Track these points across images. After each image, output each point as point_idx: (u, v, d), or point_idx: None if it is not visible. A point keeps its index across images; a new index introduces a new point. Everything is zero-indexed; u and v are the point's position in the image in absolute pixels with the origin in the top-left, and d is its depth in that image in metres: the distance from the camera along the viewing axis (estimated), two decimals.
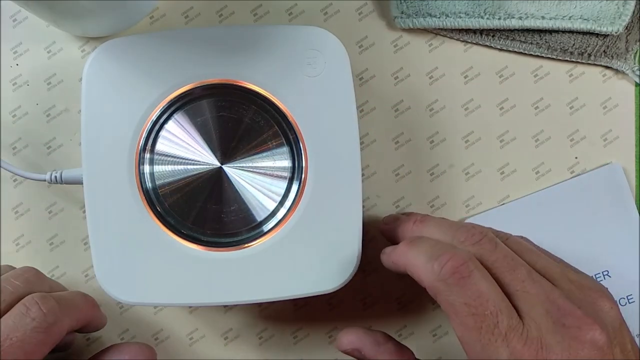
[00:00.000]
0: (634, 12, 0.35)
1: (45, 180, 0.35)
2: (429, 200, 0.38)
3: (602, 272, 0.37)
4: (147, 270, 0.32)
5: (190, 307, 0.37)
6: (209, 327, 0.38)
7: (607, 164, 0.37)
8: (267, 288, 0.32)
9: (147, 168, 0.32)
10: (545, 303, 0.26)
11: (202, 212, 0.32)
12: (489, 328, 0.25)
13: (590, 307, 0.26)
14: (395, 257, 0.30)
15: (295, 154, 0.32)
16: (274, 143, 0.32)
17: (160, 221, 0.32)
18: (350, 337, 0.31)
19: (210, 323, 0.38)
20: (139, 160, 0.32)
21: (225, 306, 0.38)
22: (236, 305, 0.37)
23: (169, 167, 0.32)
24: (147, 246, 0.32)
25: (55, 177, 0.34)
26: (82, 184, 0.32)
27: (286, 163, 0.32)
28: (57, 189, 0.37)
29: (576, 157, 0.38)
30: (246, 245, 0.32)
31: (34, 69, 0.37)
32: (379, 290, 0.38)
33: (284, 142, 0.32)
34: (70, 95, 0.37)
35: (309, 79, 0.32)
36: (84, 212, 0.34)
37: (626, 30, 0.36)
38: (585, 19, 0.35)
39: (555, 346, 0.24)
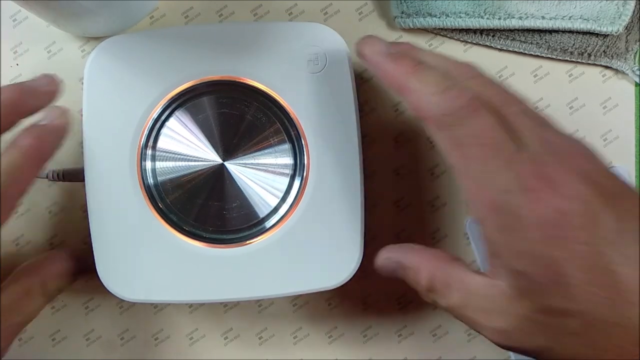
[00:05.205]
0: (634, 12, 0.35)
1: (46, 178, 0.35)
2: (429, 200, 0.38)
3: None
4: (149, 268, 0.32)
5: (190, 306, 0.37)
6: (209, 327, 0.37)
7: (612, 167, 0.37)
8: (269, 285, 0.32)
9: (149, 165, 0.32)
10: (539, 134, 0.27)
11: (204, 209, 0.32)
12: (495, 155, 0.26)
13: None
14: (393, 73, 0.29)
15: (297, 151, 0.32)
16: (276, 139, 0.32)
17: (162, 218, 0.32)
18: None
19: (210, 323, 0.38)
20: (141, 157, 0.32)
21: (225, 305, 0.38)
22: (237, 304, 0.37)
23: (171, 164, 0.32)
24: (149, 243, 0.32)
25: (57, 174, 0.34)
26: (83, 181, 0.32)
27: (288, 159, 0.32)
28: (57, 189, 0.37)
29: None
30: (248, 242, 0.32)
31: (34, 69, 0.37)
32: (379, 290, 0.37)
33: (286, 138, 0.32)
34: (70, 95, 0.37)
35: (310, 76, 0.32)
36: (85, 212, 0.34)
37: (626, 30, 0.36)
38: (585, 19, 0.35)
39: (550, 162, 0.26)
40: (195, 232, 0.32)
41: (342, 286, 0.32)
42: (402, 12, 0.37)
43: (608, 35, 0.36)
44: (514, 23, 0.36)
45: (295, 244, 0.32)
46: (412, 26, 0.37)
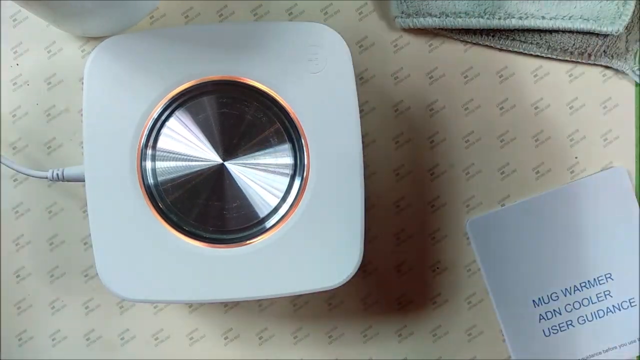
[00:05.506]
0: (634, 12, 0.35)
1: (46, 178, 0.35)
2: (429, 200, 0.38)
3: (605, 275, 0.37)
4: (149, 267, 0.32)
5: (190, 306, 0.37)
6: (209, 327, 0.38)
7: (612, 167, 0.37)
8: (269, 285, 0.32)
9: (149, 164, 0.32)
10: None
11: (204, 208, 0.32)
12: None
13: None
14: None
15: (297, 150, 0.32)
16: (276, 139, 0.32)
17: (162, 218, 0.32)
18: None
19: (210, 323, 0.38)
20: (141, 157, 0.32)
21: (225, 305, 0.38)
22: (237, 304, 0.37)
23: (171, 164, 0.32)
24: (149, 243, 0.32)
25: (57, 174, 0.34)
26: (83, 181, 0.32)
27: (288, 159, 0.32)
28: (57, 189, 0.37)
29: (576, 157, 0.38)
30: (248, 242, 0.32)
31: (34, 69, 0.37)
32: (379, 290, 0.38)
33: (286, 138, 0.32)
34: (70, 95, 0.37)
35: (311, 75, 0.32)
36: (84, 211, 0.34)
37: (626, 30, 0.36)
38: (585, 19, 0.35)
39: None
40: (196, 232, 0.32)
41: (342, 286, 0.32)
42: (402, 12, 0.37)
43: (608, 35, 0.36)
44: (514, 23, 0.36)
45: (295, 244, 0.32)
46: (412, 26, 0.37)
